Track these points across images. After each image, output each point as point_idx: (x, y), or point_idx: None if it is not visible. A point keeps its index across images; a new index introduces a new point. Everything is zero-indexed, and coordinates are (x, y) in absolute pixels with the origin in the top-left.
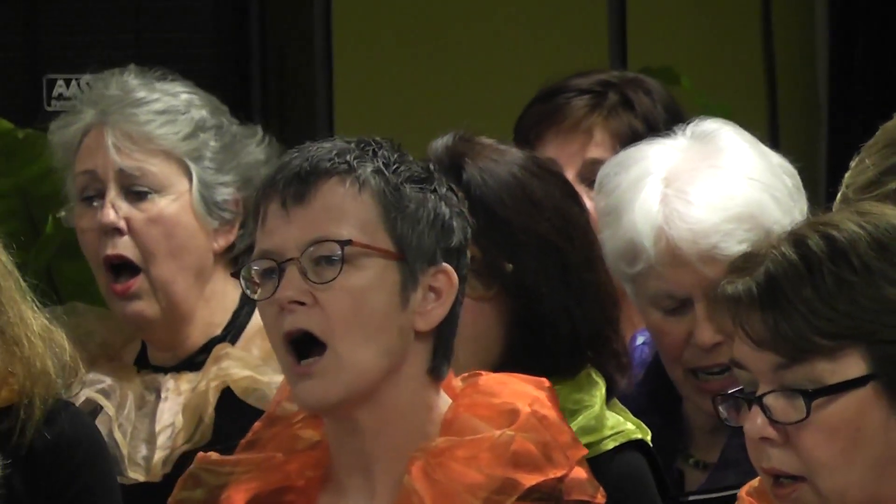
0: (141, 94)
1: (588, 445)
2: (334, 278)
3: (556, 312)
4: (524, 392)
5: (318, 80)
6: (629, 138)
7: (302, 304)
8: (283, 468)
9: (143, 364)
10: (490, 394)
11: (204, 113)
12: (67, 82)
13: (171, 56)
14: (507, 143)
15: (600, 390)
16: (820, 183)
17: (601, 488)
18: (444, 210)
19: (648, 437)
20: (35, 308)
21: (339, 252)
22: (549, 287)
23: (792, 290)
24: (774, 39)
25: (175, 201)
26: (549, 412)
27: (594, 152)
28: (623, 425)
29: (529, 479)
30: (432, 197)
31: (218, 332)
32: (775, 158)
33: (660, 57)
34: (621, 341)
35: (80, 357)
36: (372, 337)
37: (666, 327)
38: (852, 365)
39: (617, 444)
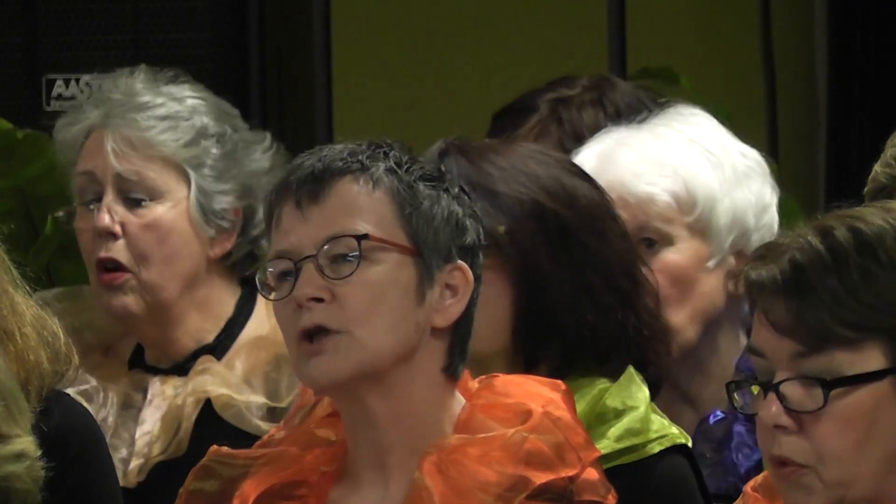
0: (145, 98)
1: (633, 448)
2: (352, 273)
3: (557, 276)
4: (539, 393)
5: (318, 80)
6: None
7: (320, 300)
8: (298, 462)
9: (137, 363)
10: (505, 395)
11: (207, 120)
12: (67, 82)
13: (169, 56)
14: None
15: (644, 392)
16: (819, 183)
17: (612, 489)
18: (458, 209)
19: (690, 442)
20: (28, 296)
21: (357, 247)
22: (548, 249)
23: (817, 280)
24: (774, 40)
25: (172, 208)
26: (564, 414)
27: None
28: (668, 429)
29: (540, 477)
30: (445, 196)
31: (210, 338)
32: (738, 145)
33: (659, 57)
34: (643, 320)
35: (75, 347)
36: (389, 328)
37: None
38: (872, 358)
39: (663, 447)
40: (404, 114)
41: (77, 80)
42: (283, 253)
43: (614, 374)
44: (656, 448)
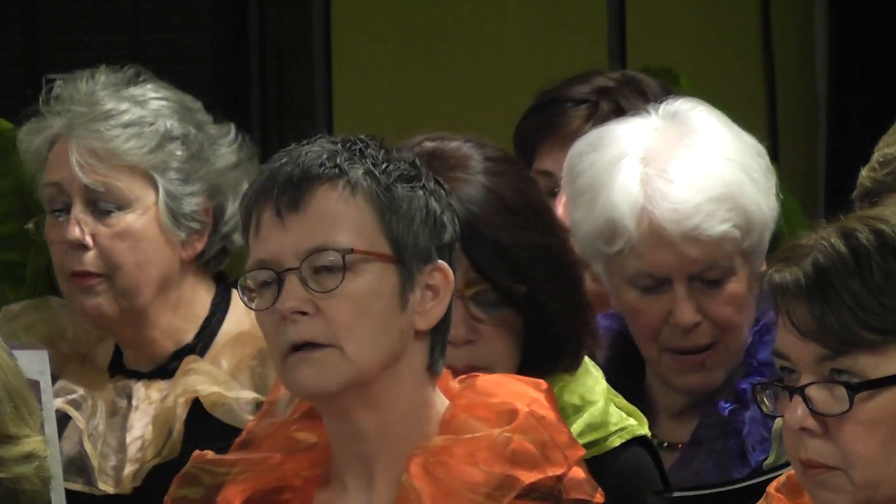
0: (108, 105)
1: (594, 442)
2: (336, 287)
3: (556, 307)
4: (522, 393)
5: (317, 80)
6: None
7: (304, 313)
8: (280, 468)
9: (118, 368)
10: (488, 394)
11: (171, 122)
12: None
13: (169, 56)
14: (459, 138)
15: (601, 384)
16: (819, 183)
17: (599, 488)
18: (435, 206)
19: (648, 430)
20: None
21: (341, 260)
22: (550, 286)
23: (840, 283)
24: (774, 40)
25: (142, 216)
26: (548, 413)
27: None
28: (626, 421)
29: (529, 477)
30: (422, 193)
31: (189, 338)
32: (747, 138)
33: (659, 57)
34: (589, 314)
35: (52, 357)
36: (375, 341)
37: (643, 306)
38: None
39: (623, 440)
40: (404, 114)
41: None
42: (264, 263)
43: (569, 368)
44: (617, 441)
